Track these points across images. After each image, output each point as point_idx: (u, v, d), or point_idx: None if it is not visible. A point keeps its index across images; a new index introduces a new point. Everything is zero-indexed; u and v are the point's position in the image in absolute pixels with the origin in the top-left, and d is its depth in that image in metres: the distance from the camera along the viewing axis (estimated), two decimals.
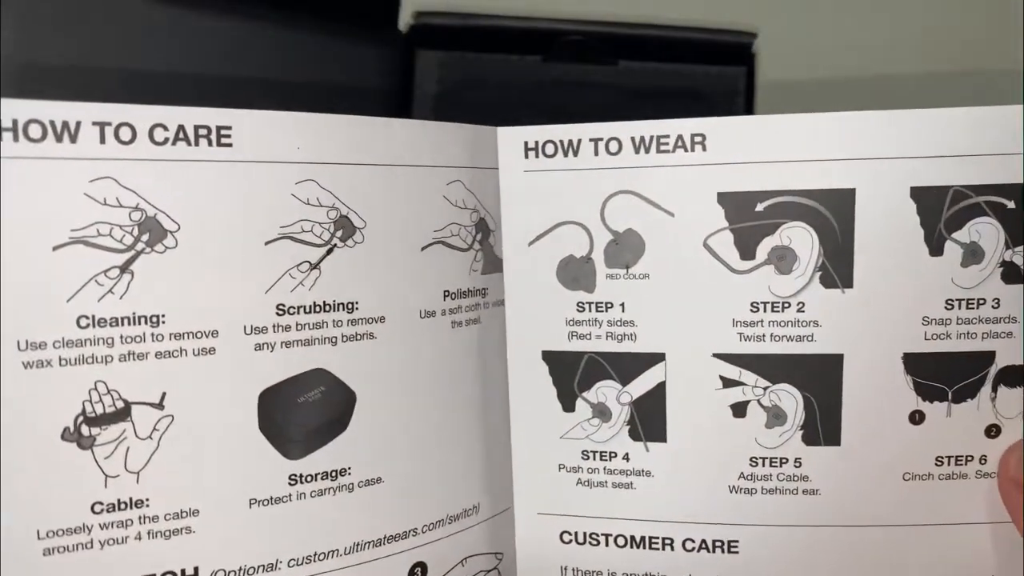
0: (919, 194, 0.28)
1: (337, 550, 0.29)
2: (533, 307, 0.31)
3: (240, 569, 0.28)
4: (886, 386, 0.29)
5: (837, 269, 0.29)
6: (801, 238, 0.29)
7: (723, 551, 0.31)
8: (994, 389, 0.29)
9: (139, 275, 0.26)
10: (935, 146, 0.28)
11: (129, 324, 0.26)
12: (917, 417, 0.30)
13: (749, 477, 0.30)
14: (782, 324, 0.29)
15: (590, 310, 0.31)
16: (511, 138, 0.31)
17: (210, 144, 0.26)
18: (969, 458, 0.30)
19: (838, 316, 0.29)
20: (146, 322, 0.26)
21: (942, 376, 0.29)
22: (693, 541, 0.31)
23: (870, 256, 0.29)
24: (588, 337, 0.31)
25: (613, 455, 0.31)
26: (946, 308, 0.29)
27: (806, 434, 0.30)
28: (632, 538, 0.31)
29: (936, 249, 0.29)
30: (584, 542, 0.32)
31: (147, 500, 0.26)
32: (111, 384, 0.26)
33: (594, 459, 0.31)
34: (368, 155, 0.29)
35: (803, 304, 0.29)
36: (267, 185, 0.27)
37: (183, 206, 0.26)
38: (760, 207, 0.29)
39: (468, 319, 0.32)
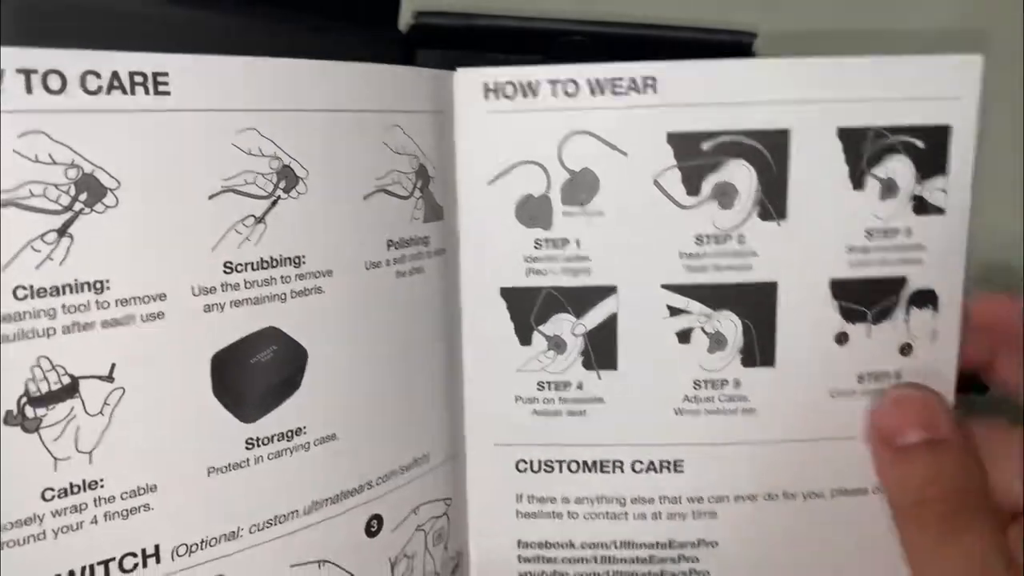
0: (845, 134, 0.30)
1: (297, 511, 0.28)
2: (491, 245, 0.31)
3: (202, 541, 0.26)
4: (815, 310, 0.31)
5: (773, 203, 0.30)
6: (742, 175, 0.30)
7: (670, 471, 0.32)
8: (907, 311, 0.31)
9: (79, 238, 0.23)
10: (859, 91, 0.29)
11: (71, 292, 0.23)
12: (842, 338, 0.31)
13: (693, 399, 0.31)
14: (724, 255, 0.30)
15: (547, 247, 0.31)
16: (470, 79, 0.30)
17: (147, 92, 0.24)
18: (886, 374, 0.32)
19: (773, 247, 0.30)
20: (90, 289, 0.24)
21: (863, 300, 0.31)
22: (641, 463, 0.32)
23: (802, 191, 0.30)
24: (545, 273, 0.31)
25: (567, 385, 0.31)
26: (866, 238, 0.31)
27: (744, 357, 0.31)
28: (584, 463, 0.32)
29: (858, 184, 0.30)
30: (539, 470, 0.32)
31: (101, 480, 0.24)
32: (55, 359, 0.23)
33: (549, 389, 0.32)
34: (308, 100, 0.27)
35: (743, 236, 0.30)
36: (207, 135, 0.25)
37: (122, 161, 0.24)
38: (705, 146, 0.30)
39: (412, 268, 0.31)
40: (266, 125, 0.26)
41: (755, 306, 0.31)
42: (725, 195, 0.30)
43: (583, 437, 0.32)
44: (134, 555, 0.25)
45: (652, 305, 0.31)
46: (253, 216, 0.26)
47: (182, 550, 0.26)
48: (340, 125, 0.28)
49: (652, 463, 0.32)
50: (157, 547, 0.25)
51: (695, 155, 0.30)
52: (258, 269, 0.27)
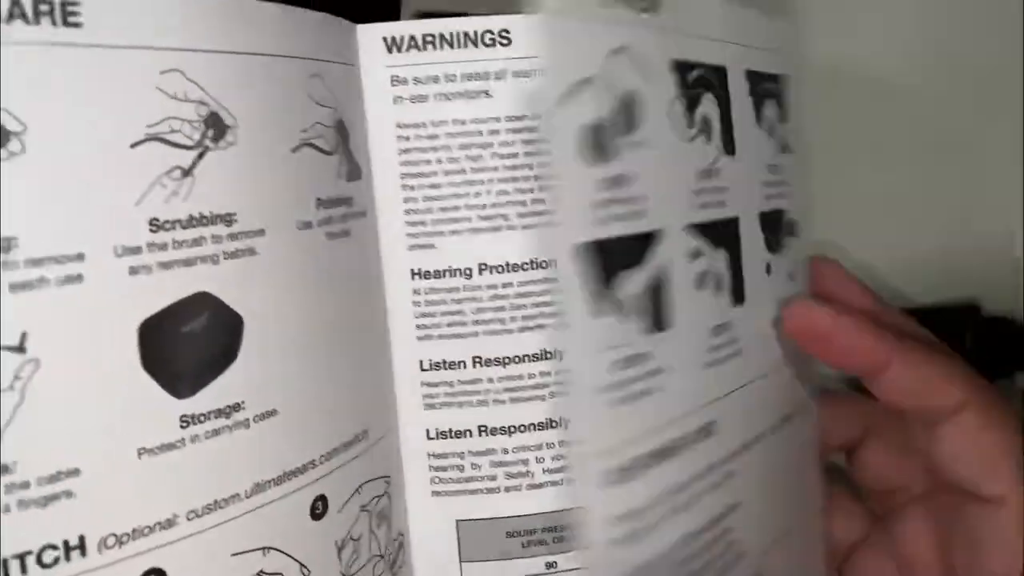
0: (750, 77, 0.30)
1: (238, 494, 0.25)
2: (559, 191, 0.24)
3: (133, 531, 0.23)
4: (755, 243, 0.30)
5: (727, 138, 0.28)
6: (712, 109, 0.28)
7: (707, 435, 0.27)
8: (786, 240, 0.32)
9: None
10: (759, 39, 0.31)
11: None
12: (768, 268, 0.30)
13: (713, 349, 0.28)
14: (712, 191, 0.28)
15: (610, 188, 0.24)
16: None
17: (54, 23, 0.20)
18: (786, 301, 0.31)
19: (732, 181, 0.28)
20: None
21: (775, 231, 0.31)
22: (690, 436, 0.27)
23: (739, 127, 0.29)
24: (607, 222, 0.24)
25: (639, 358, 0.25)
26: (770, 172, 0.30)
27: (732, 297, 0.29)
28: (659, 452, 0.26)
29: (758, 123, 0.30)
30: (626, 480, 0.25)
31: (14, 465, 0.21)
32: None
33: (626, 368, 0.25)
34: (233, 41, 0.24)
35: (719, 171, 0.28)
36: (128, 76, 0.22)
37: (30, 102, 0.20)
38: (690, 77, 0.27)
39: (341, 230, 0.28)
40: (192, 67, 0.23)
41: (731, 243, 0.28)
42: (706, 129, 0.28)
43: (657, 418, 0.26)
44: (54, 547, 0.21)
45: (681, 248, 0.26)
46: (180, 168, 0.23)
47: (111, 541, 0.22)
48: (265, 71, 0.25)
49: (698, 432, 0.27)
50: (82, 538, 0.22)
51: (687, 85, 0.27)
52: (187, 227, 0.23)
